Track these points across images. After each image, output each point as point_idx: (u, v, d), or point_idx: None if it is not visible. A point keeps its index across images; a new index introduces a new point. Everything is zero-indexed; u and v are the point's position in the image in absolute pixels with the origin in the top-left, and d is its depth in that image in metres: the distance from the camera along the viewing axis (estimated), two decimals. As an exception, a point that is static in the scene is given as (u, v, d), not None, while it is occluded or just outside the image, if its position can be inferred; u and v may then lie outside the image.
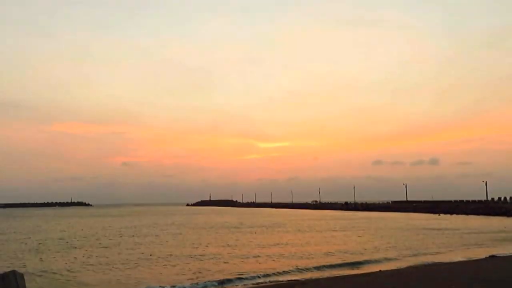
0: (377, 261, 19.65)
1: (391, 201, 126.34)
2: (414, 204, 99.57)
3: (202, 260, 20.68)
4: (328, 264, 18.83)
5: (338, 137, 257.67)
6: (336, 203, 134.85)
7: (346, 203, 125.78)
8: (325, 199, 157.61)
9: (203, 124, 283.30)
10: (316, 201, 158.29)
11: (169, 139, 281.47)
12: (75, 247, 27.06)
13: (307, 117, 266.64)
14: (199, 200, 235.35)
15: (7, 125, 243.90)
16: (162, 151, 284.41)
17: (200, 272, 17.06)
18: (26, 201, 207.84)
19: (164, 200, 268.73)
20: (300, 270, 17.41)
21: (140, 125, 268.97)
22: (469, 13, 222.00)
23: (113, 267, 18.80)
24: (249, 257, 21.38)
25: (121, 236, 35.42)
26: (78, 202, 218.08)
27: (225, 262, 19.80)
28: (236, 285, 14.48)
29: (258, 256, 21.85)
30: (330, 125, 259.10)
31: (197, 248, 25.87)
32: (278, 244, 27.55)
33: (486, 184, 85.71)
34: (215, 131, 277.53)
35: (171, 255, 22.46)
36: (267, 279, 15.45)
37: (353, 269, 17.71)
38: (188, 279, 15.60)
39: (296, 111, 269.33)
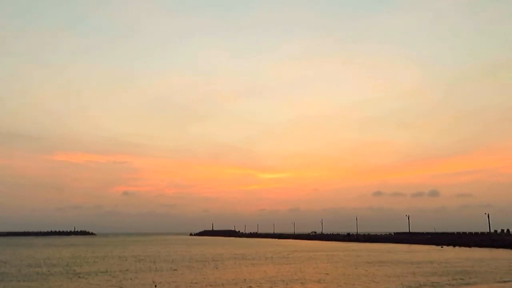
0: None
1: (394, 233, 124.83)
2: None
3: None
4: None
5: (338, 168, 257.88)
6: (338, 234, 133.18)
7: (348, 234, 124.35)
8: (327, 230, 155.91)
9: (204, 154, 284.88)
10: (315, 232, 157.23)
11: (170, 169, 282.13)
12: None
13: (307, 148, 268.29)
14: (202, 230, 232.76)
15: (8, 154, 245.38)
16: (164, 180, 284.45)
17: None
18: (29, 230, 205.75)
19: (166, 229, 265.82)
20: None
21: (141, 155, 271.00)
22: (470, 45, 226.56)
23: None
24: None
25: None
26: (81, 231, 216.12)
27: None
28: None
29: None
30: (331, 156, 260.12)
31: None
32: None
33: (488, 216, 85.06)
34: (216, 162, 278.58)
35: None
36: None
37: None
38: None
39: (296, 143, 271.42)
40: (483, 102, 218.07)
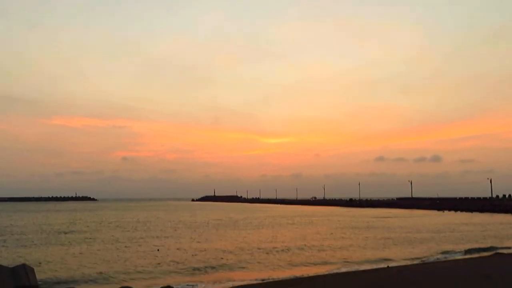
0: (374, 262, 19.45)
1: (396, 198, 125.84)
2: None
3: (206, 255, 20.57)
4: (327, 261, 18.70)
5: (340, 133, 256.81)
6: (341, 200, 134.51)
7: (350, 199, 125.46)
8: (329, 195, 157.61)
9: (206, 119, 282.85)
10: (315, 198, 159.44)
11: (171, 134, 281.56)
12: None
13: (310, 113, 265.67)
14: (203, 195, 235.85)
15: (5, 119, 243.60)
16: (164, 145, 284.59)
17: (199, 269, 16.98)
18: (29, 195, 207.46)
19: (167, 195, 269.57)
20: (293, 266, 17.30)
21: (141, 119, 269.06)
22: (474, 10, 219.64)
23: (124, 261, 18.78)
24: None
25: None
26: (83, 196, 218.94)
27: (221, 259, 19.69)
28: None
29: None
30: (333, 121, 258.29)
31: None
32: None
33: (490, 182, 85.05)
34: (217, 127, 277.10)
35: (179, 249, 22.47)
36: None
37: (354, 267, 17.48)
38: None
39: (299, 107, 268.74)
40: (486, 67, 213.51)
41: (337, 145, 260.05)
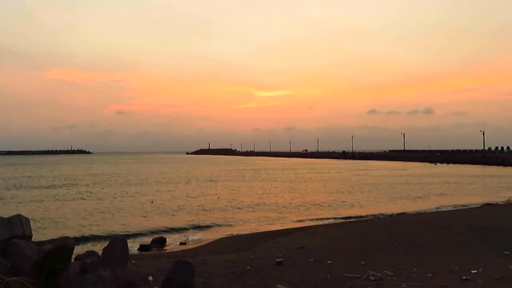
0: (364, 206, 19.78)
1: (389, 150, 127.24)
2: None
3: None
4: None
5: (334, 86, 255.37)
6: (334, 152, 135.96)
7: (343, 152, 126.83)
8: (323, 148, 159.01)
9: (200, 72, 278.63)
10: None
11: (166, 88, 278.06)
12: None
13: (304, 65, 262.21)
14: (198, 149, 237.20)
15: (0, 72, 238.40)
16: (159, 100, 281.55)
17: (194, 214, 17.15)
18: (26, 149, 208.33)
19: (162, 149, 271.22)
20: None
21: (136, 73, 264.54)
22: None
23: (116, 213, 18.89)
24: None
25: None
26: (78, 150, 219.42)
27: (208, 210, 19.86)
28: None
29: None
30: (327, 73, 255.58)
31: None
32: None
33: (483, 134, 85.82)
34: (212, 80, 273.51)
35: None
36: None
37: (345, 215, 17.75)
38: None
39: (293, 60, 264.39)
40: (483, 18, 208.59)
41: (331, 98, 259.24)
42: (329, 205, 20.69)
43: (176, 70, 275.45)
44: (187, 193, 27.17)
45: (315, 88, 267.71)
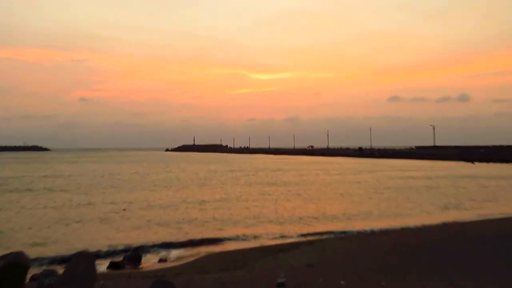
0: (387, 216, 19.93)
1: (415, 147, 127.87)
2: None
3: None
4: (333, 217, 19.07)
5: (347, 67, 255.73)
6: (347, 149, 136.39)
7: (359, 148, 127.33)
8: (334, 143, 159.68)
9: (185, 51, 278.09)
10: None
11: (143, 70, 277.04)
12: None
13: (310, 42, 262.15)
14: (180, 144, 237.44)
15: None
16: (133, 84, 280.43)
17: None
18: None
19: (137, 144, 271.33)
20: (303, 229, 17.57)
21: (107, 51, 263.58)
22: None
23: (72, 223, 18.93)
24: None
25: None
26: (33, 146, 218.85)
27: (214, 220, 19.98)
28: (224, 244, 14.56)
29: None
30: (338, 52, 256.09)
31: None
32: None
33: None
34: (199, 60, 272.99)
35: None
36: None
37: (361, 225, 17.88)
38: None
39: (296, 35, 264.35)
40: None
41: (343, 82, 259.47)
42: (343, 214, 20.81)
43: (154, 48, 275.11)
44: (167, 199, 27.23)
45: (323, 70, 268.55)
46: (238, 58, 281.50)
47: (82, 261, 5.48)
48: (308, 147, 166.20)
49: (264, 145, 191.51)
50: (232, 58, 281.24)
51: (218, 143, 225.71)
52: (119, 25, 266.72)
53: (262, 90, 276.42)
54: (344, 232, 16.33)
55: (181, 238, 15.79)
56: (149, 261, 12.73)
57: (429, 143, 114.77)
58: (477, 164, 70.88)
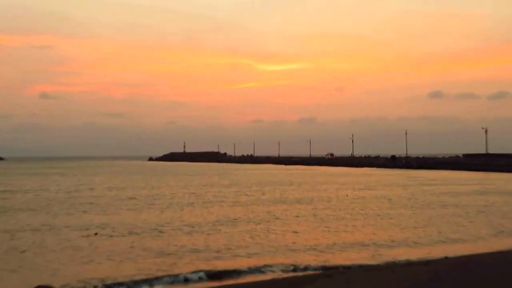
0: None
1: (462, 154, 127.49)
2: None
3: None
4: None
5: (376, 56, 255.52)
6: (377, 157, 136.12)
7: (392, 157, 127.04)
8: (359, 151, 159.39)
9: (173, 35, 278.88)
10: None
11: (121, 58, 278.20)
12: None
13: (330, 25, 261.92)
14: (167, 152, 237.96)
15: None
16: (109, 76, 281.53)
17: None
18: None
19: (113, 152, 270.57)
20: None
21: (75, 35, 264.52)
22: None
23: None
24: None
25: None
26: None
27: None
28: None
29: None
30: (365, 37, 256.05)
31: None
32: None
33: None
34: (191, 47, 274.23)
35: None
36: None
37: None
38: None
39: (315, 17, 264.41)
40: None
41: (372, 75, 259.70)
42: (370, 240, 20.71)
43: (135, 32, 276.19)
44: (149, 222, 27.23)
45: (347, 59, 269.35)
46: (241, 44, 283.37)
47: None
48: (326, 155, 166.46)
49: (273, 152, 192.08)
50: (233, 44, 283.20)
51: (215, 150, 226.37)
52: (91, 2, 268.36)
53: (271, 85, 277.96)
54: (371, 264, 16.24)
55: (168, 271, 15.74)
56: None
57: (480, 150, 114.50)
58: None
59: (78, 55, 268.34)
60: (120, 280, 14.42)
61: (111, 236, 22.34)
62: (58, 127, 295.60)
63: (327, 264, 16.41)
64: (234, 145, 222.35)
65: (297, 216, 28.83)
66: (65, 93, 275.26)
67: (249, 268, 15.94)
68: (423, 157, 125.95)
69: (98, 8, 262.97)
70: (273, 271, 15.48)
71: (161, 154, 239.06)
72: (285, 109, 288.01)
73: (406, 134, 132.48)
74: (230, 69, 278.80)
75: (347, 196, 41.80)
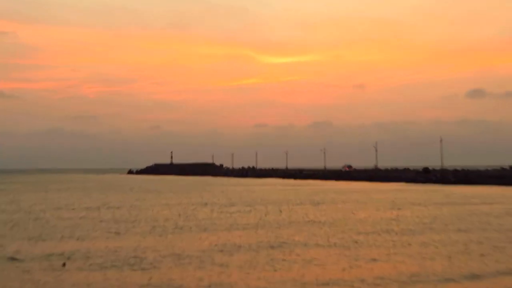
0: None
1: (510, 166, 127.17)
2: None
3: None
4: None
5: (405, 47, 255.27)
6: (405, 170, 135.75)
7: (425, 169, 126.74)
8: (384, 162, 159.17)
9: (157, 20, 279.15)
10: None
11: (93, 48, 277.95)
12: None
13: (350, 8, 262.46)
14: (151, 163, 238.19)
15: None
16: (78, 70, 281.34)
17: None
18: None
19: (84, 163, 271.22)
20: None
21: (38, 21, 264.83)
22: None
23: None
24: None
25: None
26: None
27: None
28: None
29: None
30: (393, 24, 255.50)
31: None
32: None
33: None
34: (180, 34, 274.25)
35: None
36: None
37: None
38: None
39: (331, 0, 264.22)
40: None
41: (399, 69, 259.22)
42: (401, 275, 20.63)
43: (110, 16, 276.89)
44: (129, 250, 27.21)
45: (369, 50, 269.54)
46: (241, 31, 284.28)
47: None
48: (343, 167, 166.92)
49: (279, 164, 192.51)
50: (232, 31, 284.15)
51: (209, 161, 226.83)
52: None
53: (276, 81, 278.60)
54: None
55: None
56: None
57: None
58: None
59: (40, 44, 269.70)
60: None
61: (81, 268, 22.28)
62: (14, 133, 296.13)
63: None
64: (232, 155, 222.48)
65: (313, 244, 28.81)
66: (24, 91, 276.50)
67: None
68: (462, 170, 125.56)
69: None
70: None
71: (143, 166, 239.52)
72: (294, 110, 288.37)
73: (441, 141, 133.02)
74: (227, 62, 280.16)
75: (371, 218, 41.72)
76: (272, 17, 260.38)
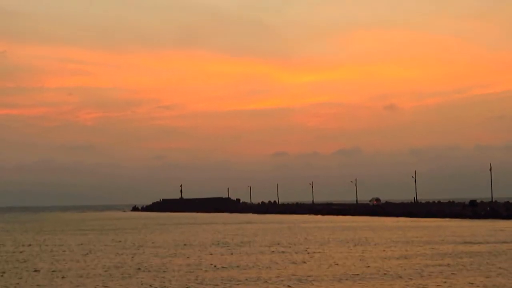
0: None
1: None
2: None
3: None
4: None
5: (445, 60, 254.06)
6: (451, 203, 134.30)
7: (472, 202, 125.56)
8: (424, 194, 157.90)
9: (164, 35, 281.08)
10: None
11: (91, 68, 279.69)
12: None
13: (381, 16, 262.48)
14: (157, 199, 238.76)
15: None
16: (75, 94, 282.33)
17: None
18: None
19: (79, 200, 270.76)
20: None
21: (28, 39, 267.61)
22: None
23: None
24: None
25: None
26: None
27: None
28: None
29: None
30: (430, 34, 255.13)
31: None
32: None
33: None
34: (187, 49, 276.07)
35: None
36: None
37: None
38: None
39: (357, 6, 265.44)
40: None
41: (438, 86, 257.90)
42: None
43: (109, 32, 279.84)
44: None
45: (402, 65, 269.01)
46: (256, 46, 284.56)
47: None
48: (371, 200, 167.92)
49: (304, 198, 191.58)
50: (245, 46, 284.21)
51: (224, 195, 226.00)
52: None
53: (299, 103, 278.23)
54: None
55: None
56: None
57: None
58: None
59: (30, 64, 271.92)
60: None
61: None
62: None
63: None
64: (250, 188, 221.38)
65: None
66: (9, 118, 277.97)
67: None
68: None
69: (58, 2, 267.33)
70: None
71: (149, 202, 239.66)
72: (318, 137, 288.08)
73: (490, 169, 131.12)
74: (242, 81, 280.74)
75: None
76: (290, 29, 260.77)
